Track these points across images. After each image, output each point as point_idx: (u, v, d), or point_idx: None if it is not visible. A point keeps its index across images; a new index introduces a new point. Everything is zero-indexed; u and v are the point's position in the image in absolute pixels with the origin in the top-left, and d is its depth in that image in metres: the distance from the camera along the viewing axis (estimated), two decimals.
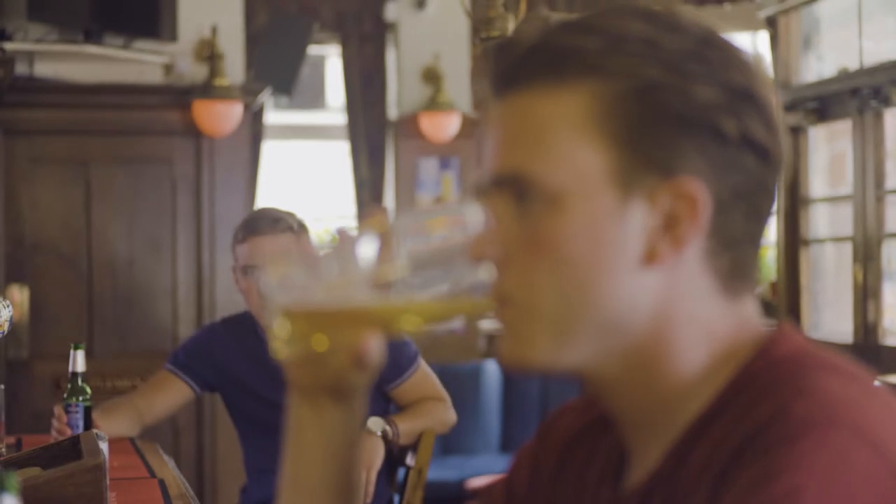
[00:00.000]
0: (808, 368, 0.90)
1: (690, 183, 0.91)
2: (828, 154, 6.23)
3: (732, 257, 0.94)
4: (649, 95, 0.90)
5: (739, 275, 0.95)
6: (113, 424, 3.07)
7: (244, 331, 3.14)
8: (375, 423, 3.02)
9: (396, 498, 3.19)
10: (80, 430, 2.83)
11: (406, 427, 3.07)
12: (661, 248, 0.91)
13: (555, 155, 0.92)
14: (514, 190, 0.93)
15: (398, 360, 3.11)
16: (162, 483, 2.67)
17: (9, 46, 5.26)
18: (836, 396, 0.86)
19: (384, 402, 3.16)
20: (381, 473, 3.02)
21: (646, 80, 0.90)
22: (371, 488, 2.97)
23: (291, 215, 3.12)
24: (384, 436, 3.02)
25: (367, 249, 0.98)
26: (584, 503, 1.03)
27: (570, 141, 0.92)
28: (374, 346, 1.01)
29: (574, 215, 0.91)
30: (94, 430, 2.57)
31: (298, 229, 3.08)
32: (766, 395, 0.88)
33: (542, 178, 0.92)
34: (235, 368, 3.16)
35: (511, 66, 0.95)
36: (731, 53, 0.94)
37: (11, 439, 3.16)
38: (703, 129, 0.90)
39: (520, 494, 1.12)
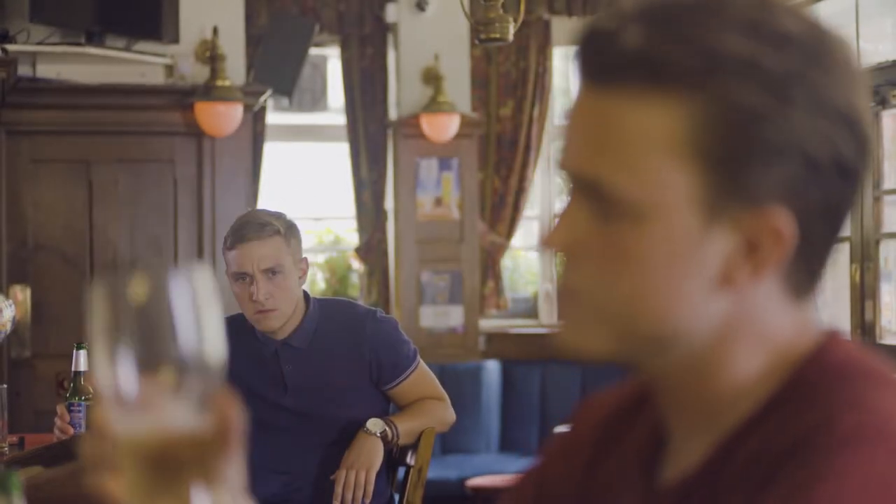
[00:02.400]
0: (860, 379, 0.89)
1: (778, 215, 0.88)
2: None
3: (809, 267, 0.92)
4: (746, 123, 0.87)
5: (811, 281, 0.93)
6: None
7: (242, 331, 3.15)
8: (375, 424, 3.04)
9: (396, 497, 3.21)
10: (83, 429, 2.86)
11: (405, 427, 3.09)
12: (739, 275, 0.90)
13: (642, 169, 0.89)
14: (594, 194, 0.91)
15: (397, 359, 3.13)
16: None
17: (11, 48, 5.30)
18: (885, 410, 0.86)
19: (384, 402, 3.18)
20: (380, 473, 3.04)
21: (745, 106, 0.87)
22: (370, 488, 2.99)
23: (279, 218, 3.09)
24: (383, 436, 3.04)
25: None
26: (618, 493, 1.02)
27: (659, 158, 0.89)
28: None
29: (654, 232, 0.89)
30: None
31: (286, 232, 3.07)
32: (815, 403, 0.88)
33: (626, 191, 0.89)
34: (236, 366, 3.15)
35: (608, 65, 0.90)
36: (834, 66, 0.90)
37: (14, 438, 3.19)
38: (797, 159, 0.88)
39: (552, 486, 1.10)
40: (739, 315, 0.91)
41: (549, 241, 0.93)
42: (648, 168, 0.89)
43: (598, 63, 0.91)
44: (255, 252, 3.02)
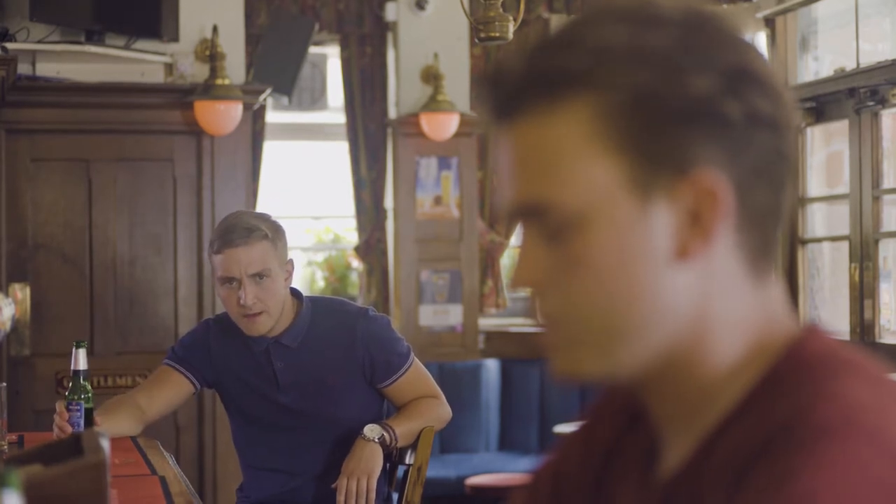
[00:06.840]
0: (834, 372, 0.90)
1: (707, 176, 0.90)
2: (824, 154, 6.25)
3: (759, 233, 0.94)
4: (647, 100, 0.90)
5: (764, 252, 0.95)
6: (115, 424, 3.08)
7: (234, 328, 3.16)
8: (372, 431, 3.04)
9: (395, 496, 3.21)
10: (81, 428, 2.86)
11: (403, 430, 3.09)
12: (691, 244, 0.92)
13: (568, 178, 0.92)
14: (537, 218, 0.94)
15: (390, 358, 3.13)
16: (163, 480, 2.70)
17: (11, 46, 5.29)
18: (858, 402, 0.86)
19: (378, 400, 3.19)
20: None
21: (640, 86, 0.90)
22: (372, 495, 2.99)
23: (266, 221, 3.10)
24: (381, 442, 3.03)
25: None
26: (625, 485, 1.04)
27: (580, 160, 0.92)
28: None
29: (600, 231, 0.92)
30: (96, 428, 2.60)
31: (273, 235, 3.06)
32: (789, 397, 0.89)
33: (562, 203, 0.92)
34: (232, 362, 3.18)
35: (505, 98, 0.95)
36: (717, 33, 0.93)
37: (13, 437, 3.19)
38: (709, 119, 0.90)
39: (570, 474, 1.11)
40: (707, 290, 0.93)
41: (516, 283, 0.97)
42: (574, 174, 0.92)
43: (497, 102, 0.96)
44: (243, 257, 3.02)
